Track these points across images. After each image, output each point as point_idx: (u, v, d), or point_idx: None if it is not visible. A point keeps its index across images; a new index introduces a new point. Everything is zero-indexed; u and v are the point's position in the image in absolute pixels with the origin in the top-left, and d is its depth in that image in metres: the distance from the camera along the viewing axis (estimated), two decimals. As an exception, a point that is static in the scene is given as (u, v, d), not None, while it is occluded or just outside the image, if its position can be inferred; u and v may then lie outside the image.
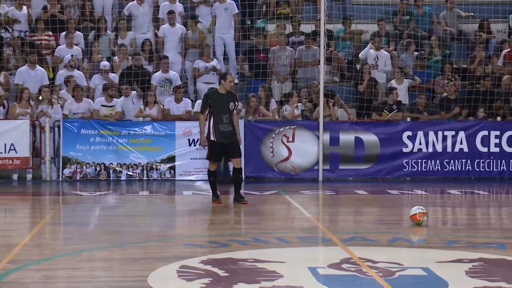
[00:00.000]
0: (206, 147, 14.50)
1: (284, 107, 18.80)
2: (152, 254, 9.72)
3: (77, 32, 19.91)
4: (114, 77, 19.16)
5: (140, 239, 10.85)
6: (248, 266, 8.96)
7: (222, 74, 14.44)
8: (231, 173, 17.44)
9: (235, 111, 14.15)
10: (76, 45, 19.68)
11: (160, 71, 19.27)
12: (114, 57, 19.70)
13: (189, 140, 18.17)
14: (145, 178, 18.11)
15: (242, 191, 14.58)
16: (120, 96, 18.75)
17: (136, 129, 18.19)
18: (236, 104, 14.19)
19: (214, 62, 19.62)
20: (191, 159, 18.20)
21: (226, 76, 14.09)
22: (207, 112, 13.93)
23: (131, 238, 10.99)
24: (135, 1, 20.22)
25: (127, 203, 15.28)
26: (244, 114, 18.31)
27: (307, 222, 12.82)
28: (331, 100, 18.59)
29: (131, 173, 18.10)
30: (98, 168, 18.08)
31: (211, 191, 14.56)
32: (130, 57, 19.53)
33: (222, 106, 13.85)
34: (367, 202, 15.54)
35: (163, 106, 18.60)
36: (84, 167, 18.05)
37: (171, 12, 19.96)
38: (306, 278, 8.44)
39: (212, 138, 13.95)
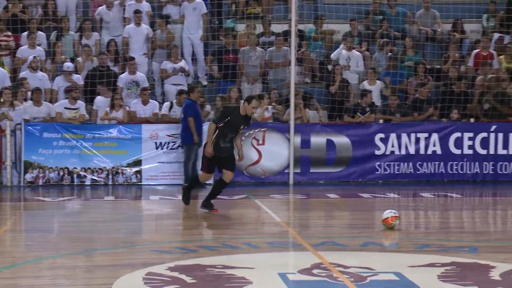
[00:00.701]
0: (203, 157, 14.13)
1: (254, 109, 18.53)
2: (118, 261, 9.69)
3: (39, 32, 19.59)
4: (78, 78, 18.80)
5: (105, 245, 10.83)
6: (217, 273, 8.95)
7: (248, 98, 13.90)
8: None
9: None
10: (39, 45, 19.33)
11: (126, 72, 18.91)
12: (78, 58, 19.32)
13: (156, 143, 17.90)
14: (110, 182, 17.82)
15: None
16: (94, 97, 18.42)
17: (101, 132, 17.93)
18: (246, 126, 13.92)
19: (182, 63, 19.36)
20: (158, 163, 17.92)
21: (251, 101, 13.62)
22: (221, 124, 13.56)
23: (96, 244, 11.00)
24: (104, 6, 19.97)
25: (92, 209, 15.16)
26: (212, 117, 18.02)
27: (277, 227, 12.73)
28: (301, 102, 18.37)
29: (96, 178, 17.78)
30: (61, 173, 17.72)
31: (181, 193, 14.31)
32: (95, 58, 19.17)
33: (234, 127, 13.57)
34: (338, 206, 15.53)
35: (129, 108, 18.24)
36: (46, 172, 17.68)
37: (137, 12, 19.65)
38: (276, 284, 8.43)
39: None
